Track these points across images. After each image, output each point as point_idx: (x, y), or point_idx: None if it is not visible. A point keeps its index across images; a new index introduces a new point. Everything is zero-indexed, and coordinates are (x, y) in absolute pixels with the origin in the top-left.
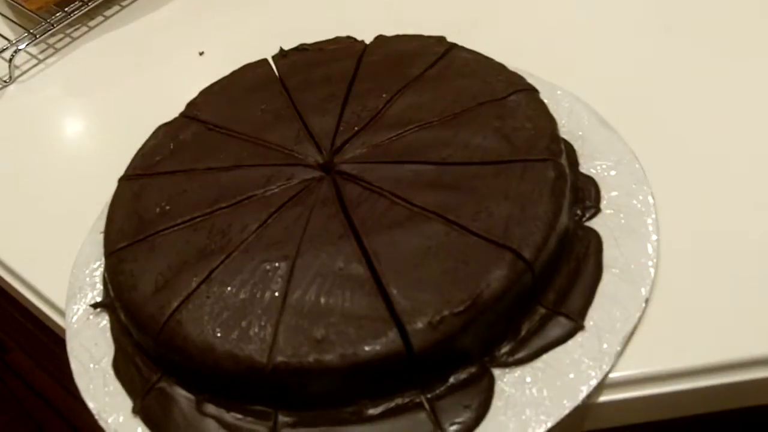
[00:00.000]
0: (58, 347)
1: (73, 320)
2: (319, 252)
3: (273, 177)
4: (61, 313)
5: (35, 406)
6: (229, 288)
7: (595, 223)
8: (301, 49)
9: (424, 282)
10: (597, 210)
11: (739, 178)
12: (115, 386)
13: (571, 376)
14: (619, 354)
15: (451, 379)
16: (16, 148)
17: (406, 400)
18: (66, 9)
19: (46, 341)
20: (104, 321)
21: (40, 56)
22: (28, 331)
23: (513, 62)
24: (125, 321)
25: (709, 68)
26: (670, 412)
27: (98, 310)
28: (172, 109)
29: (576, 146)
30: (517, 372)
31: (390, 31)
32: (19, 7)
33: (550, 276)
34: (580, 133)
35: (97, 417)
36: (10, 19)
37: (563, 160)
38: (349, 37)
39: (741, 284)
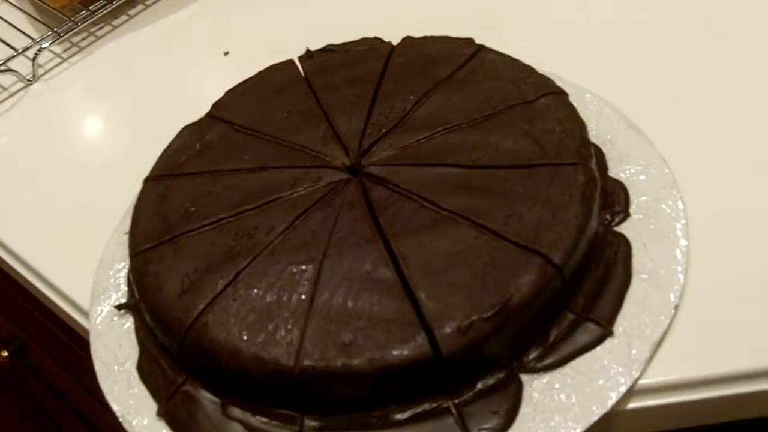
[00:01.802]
0: (80, 348)
1: (97, 322)
2: (346, 255)
3: (300, 179)
4: (85, 315)
5: (55, 407)
6: (255, 290)
7: (624, 228)
8: (328, 49)
9: (452, 286)
10: (626, 215)
11: None
12: (140, 389)
13: (600, 382)
14: (649, 360)
15: (479, 385)
16: (39, 148)
17: (434, 405)
18: (90, 7)
19: (68, 342)
20: (128, 323)
21: (64, 55)
22: (50, 331)
23: (541, 65)
24: (150, 323)
25: (741, 71)
26: (700, 420)
27: (122, 311)
28: (197, 109)
29: (605, 150)
30: (546, 378)
31: (417, 33)
32: (44, 5)
33: (579, 281)
34: (609, 137)
35: (121, 419)
36: (34, 18)
37: (593, 165)
38: (376, 38)
39: None
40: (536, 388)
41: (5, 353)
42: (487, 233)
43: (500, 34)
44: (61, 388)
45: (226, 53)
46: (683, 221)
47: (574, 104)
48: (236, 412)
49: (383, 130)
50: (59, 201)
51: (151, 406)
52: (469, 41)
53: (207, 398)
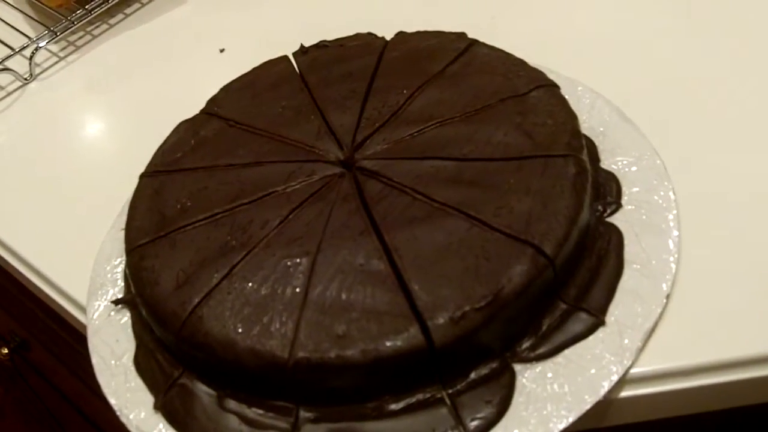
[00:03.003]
0: (80, 344)
1: (95, 317)
2: (340, 248)
3: (294, 173)
4: (83, 310)
5: (56, 403)
6: (250, 284)
7: (616, 219)
8: (322, 45)
9: (445, 278)
10: (618, 206)
11: (761, 175)
12: (137, 382)
13: (593, 371)
14: (641, 349)
15: (473, 375)
16: (36, 146)
17: (428, 395)
18: (86, 6)
19: (68, 338)
20: (125, 317)
21: (61, 54)
22: (49, 328)
23: (533, 59)
24: (147, 317)
25: (730, 63)
26: (691, 408)
27: (119, 306)
28: (192, 105)
29: (597, 142)
30: (539, 367)
31: (410, 28)
32: (40, 4)
33: (571, 272)
34: (601, 129)
35: (118, 413)
36: (31, 17)
37: (584, 156)
38: (369, 34)
39: (763, 279)
40: (529, 377)
41: (5, 350)
42: (479, 225)
43: (492, 28)
44: (62, 385)
45: (221, 50)
46: (675, 212)
47: (567, 97)
48: (232, 404)
49: (376, 125)
50: (56, 198)
51: (148, 399)
52: (462, 36)
53: (203, 391)
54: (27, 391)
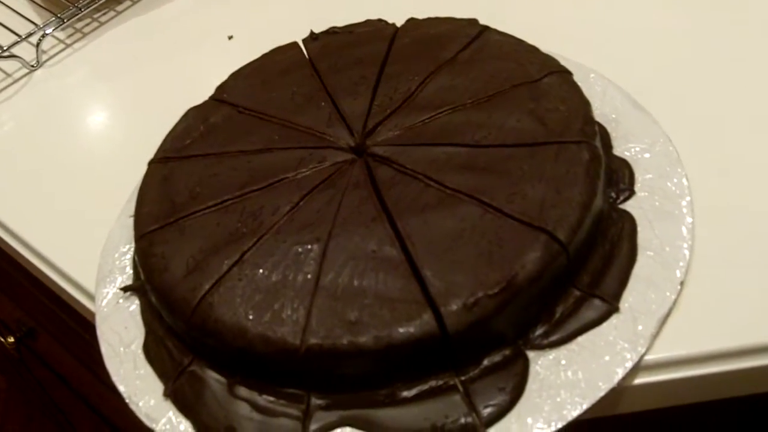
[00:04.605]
0: (88, 332)
1: (103, 304)
2: (351, 234)
3: (305, 159)
4: (91, 298)
5: (61, 394)
6: (261, 270)
7: (629, 206)
8: (332, 32)
9: (458, 264)
10: (631, 192)
11: None
12: (146, 369)
13: (607, 358)
14: (655, 336)
15: (486, 362)
16: (44, 133)
17: (440, 382)
18: None
19: (75, 326)
20: (134, 305)
21: (68, 41)
22: (57, 316)
23: (545, 45)
24: (156, 304)
25: (744, 49)
26: (706, 395)
27: (128, 293)
28: (201, 92)
29: (609, 129)
30: (552, 354)
31: (421, 14)
32: None
33: (585, 258)
34: (614, 116)
35: (127, 401)
36: (38, 3)
37: (597, 143)
38: (380, 20)
39: None
40: (542, 364)
41: (12, 339)
42: (492, 211)
43: (504, 14)
44: (68, 374)
45: (229, 37)
46: (688, 198)
47: (579, 84)
48: (243, 391)
49: (388, 111)
50: (64, 185)
51: (158, 387)
52: (473, 22)
53: (213, 378)
54: (31, 382)
